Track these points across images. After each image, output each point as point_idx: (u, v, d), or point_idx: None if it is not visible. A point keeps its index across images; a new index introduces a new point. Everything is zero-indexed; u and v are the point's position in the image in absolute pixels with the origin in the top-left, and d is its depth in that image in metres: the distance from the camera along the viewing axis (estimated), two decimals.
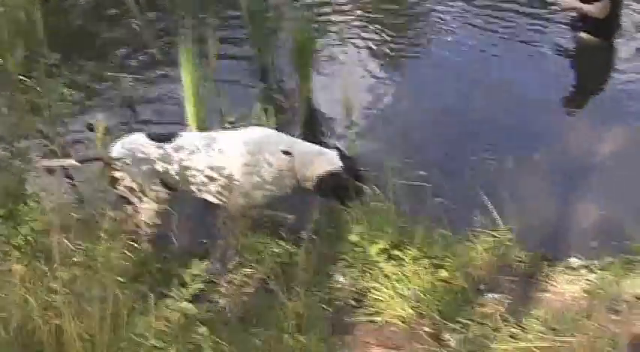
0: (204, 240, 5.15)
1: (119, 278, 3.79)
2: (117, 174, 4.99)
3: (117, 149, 5.02)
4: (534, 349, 3.89)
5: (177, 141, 5.03)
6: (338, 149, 5.12)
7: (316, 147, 5.10)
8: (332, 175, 4.89)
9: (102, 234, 4.24)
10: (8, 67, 6.74)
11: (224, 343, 3.74)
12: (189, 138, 5.15)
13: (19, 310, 3.62)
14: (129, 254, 4.61)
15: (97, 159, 5.24)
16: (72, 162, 5.21)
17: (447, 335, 4.09)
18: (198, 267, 3.57)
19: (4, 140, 6.22)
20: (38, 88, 6.41)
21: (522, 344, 3.91)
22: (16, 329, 3.59)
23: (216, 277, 4.68)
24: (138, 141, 5.02)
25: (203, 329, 3.54)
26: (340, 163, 4.93)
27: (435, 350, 4.02)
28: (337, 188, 4.90)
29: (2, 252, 3.88)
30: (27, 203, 3.93)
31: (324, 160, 4.95)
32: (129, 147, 4.99)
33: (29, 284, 3.70)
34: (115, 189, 5.05)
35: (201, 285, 3.62)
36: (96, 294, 3.48)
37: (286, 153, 4.92)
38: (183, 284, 3.64)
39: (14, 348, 3.51)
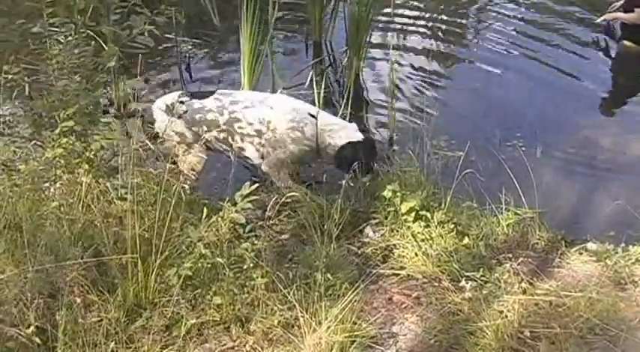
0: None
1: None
2: (157, 130, 5.36)
3: (158, 105, 5.41)
4: (541, 302, 4.16)
5: (235, 96, 5.43)
6: (358, 124, 5.51)
7: (339, 119, 5.53)
8: (351, 145, 5.30)
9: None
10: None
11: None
12: (246, 94, 5.58)
13: (82, 215, 4.04)
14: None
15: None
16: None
17: (463, 282, 4.37)
18: (247, 188, 3.91)
19: None
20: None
21: (530, 297, 4.18)
22: (80, 231, 4.01)
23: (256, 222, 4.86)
24: (177, 98, 5.34)
25: (246, 244, 3.90)
26: (360, 136, 5.32)
27: (452, 295, 4.29)
28: (353, 159, 5.22)
29: (74, 164, 4.25)
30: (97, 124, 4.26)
31: (345, 131, 5.34)
32: (170, 103, 5.30)
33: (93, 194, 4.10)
34: (154, 143, 5.34)
35: (249, 205, 3.95)
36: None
37: (312, 115, 5.32)
38: (235, 204, 3.97)
39: (76, 247, 3.88)
